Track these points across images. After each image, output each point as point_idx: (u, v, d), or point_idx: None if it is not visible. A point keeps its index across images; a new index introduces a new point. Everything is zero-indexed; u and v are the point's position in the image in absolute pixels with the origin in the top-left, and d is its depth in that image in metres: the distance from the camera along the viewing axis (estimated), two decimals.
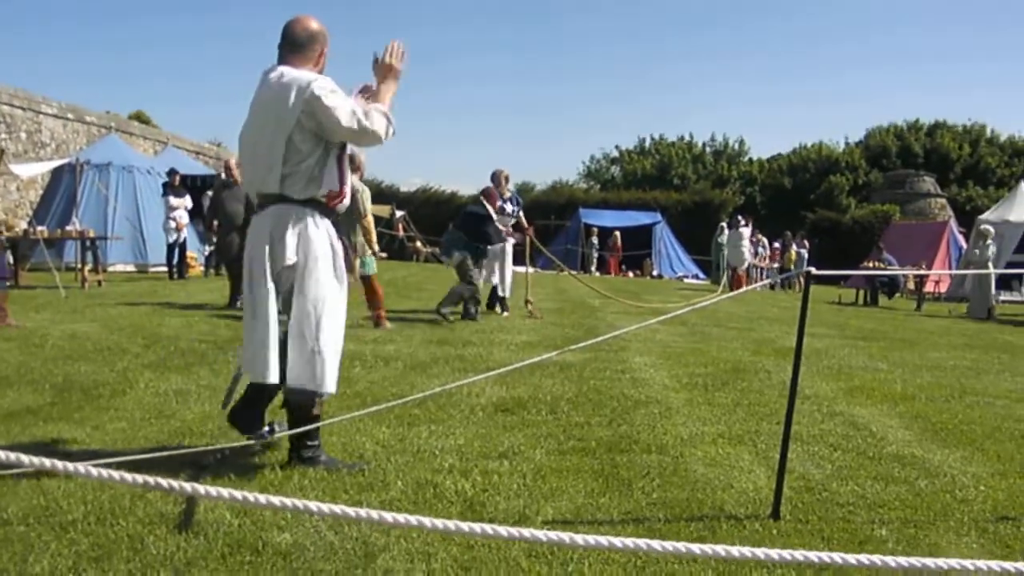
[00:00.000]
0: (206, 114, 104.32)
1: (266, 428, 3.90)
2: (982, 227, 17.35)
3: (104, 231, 16.65)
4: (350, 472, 3.84)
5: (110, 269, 16.43)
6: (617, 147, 59.66)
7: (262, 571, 2.80)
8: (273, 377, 3.71)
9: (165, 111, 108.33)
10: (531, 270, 12.66)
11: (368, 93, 3.97)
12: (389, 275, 16.30)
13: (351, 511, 1.65)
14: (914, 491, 3.98)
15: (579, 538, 1.61)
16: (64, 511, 3.23)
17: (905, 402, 6.21)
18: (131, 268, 18.07)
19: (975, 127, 51.90)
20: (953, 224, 28.53)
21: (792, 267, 26.51)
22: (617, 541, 1.58)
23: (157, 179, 18.90)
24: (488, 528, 1.62)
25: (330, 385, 3.78)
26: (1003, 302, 17.41)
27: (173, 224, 16.32)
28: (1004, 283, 18.13)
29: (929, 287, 21.24)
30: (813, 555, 1.64)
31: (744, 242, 22.50)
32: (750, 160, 56.12)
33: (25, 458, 1.55)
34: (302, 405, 3.86)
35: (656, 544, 1.58)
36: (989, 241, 16.42)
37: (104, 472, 1.57)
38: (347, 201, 4.01)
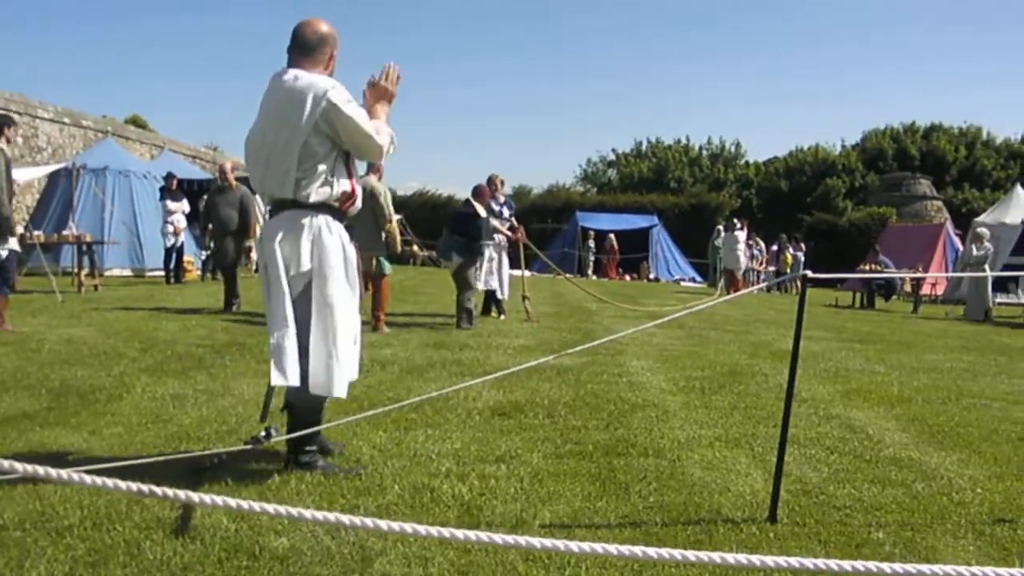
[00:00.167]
0: (202, 118, 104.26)
1: (263, 433, 3.89)
2: (978, 229, 17.38)
3: (101, 235, 16.63)
4: (347, 476, 3.83)
5: (107, 273, 16.43)
6: (614, 150, 59.88)
7: None
8: (293, 380, 3.71)
9: (161, 115, 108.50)
10: (527, 273, 12.67)
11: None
12: None
13: (345, 518, 1.65)
14: (911, 494, 3.98)
15: (575, 545, 1.61)
16: (60, 516, 3.22)
17: (902, 405, 6.22)
18: (128, 272, 18.06)
19: (971, 129, 52.04)
20: (949, 226, 28.56)
21: (788, 270, 26.53)
22: (613, 548, 1.58)
23: (154, 183, 18.89)
24: (483, 535, 1.62)
25: (341, 391, 3.78)
26: (999, 304, 17.44)
27: (171, 228, 16.32)
28: (1000, 285, 18.17)
29: (925, 289, 21.27)
30: (808, 561, 1.64)
31: (740, 245, 22.52)
32: (746, 163, 56.26)
33: (19, 465, 1.54)
34: (306, 409, 3.86)
35: (652, 551, 1.58)
36: (986, 243, 16.45)
37: (99, 480, 1.57)
38: (359, 203, 4.02)
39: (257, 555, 2.93)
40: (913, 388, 7.02)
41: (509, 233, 11.48)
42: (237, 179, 11.79)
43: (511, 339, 9.13)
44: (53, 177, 18.49)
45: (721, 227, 25.80)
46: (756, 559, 1.61)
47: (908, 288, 21.52)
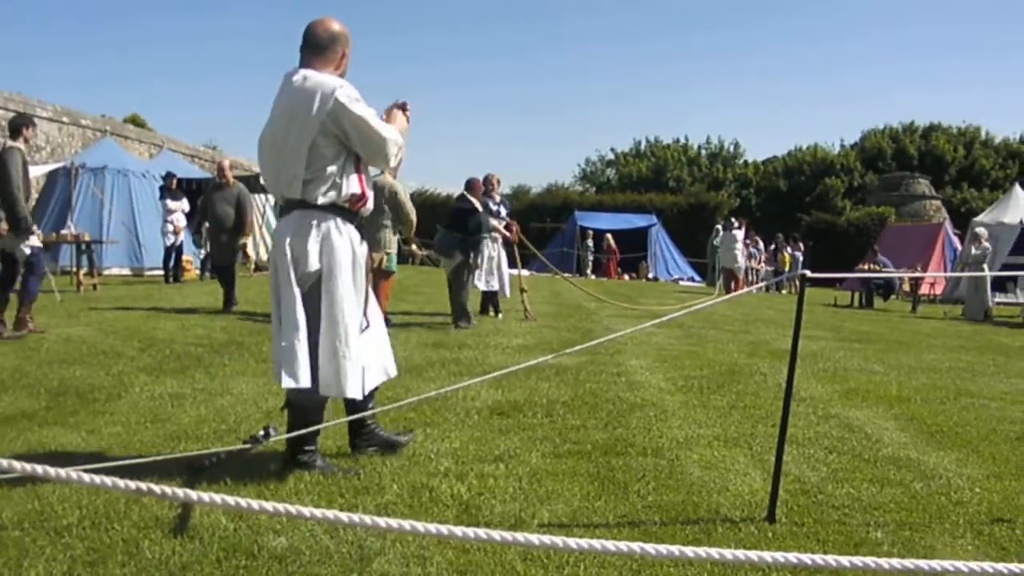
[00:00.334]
0: (201, 117, 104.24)
1: (261, 432, 3.89)
2: (977, 229, 17.39)
3: (99, 235, 16.63)
4: (346, 476, 3.83)
5: (105, 273, 16.41)
6: (613, 149, 59.95)
7: (258, 575, 2.79)
8: (305, 382, 3.71)
9: (160, 114, 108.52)
10: (525, 272, 12.67)
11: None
12: None
13: (344, 516, 1.65)
14: (909, 493, 3.98)
15: (572, 542, 1.61)
16: (59, 515, 3.22)
17: (900, 404, 6.22)
18: (126, 272, 18.05)
19: (970, 129, 52.09)
20: (948, 226, 28.57)
21: (787, 269, 26.53)
22: (611, 545, 1.59)
23: (152, 182, 18.88)
24: (482, 532, 1.62)
25: (354, 390, 3.78)
26: (998, 304, 17.45)
27: (171, 227, 16.33)
28: (999, 285, 18.18)
29: (924, 289, 21.28)
30: (807, 557, 1.64)
31: (738, 244, 22.53)
32: (745, 162, 56.30)
33: (17, 464, 1.54)
34: (308, 409, 3.86)
35: (651, 548, 1.58)
36: (984, 243, 16.46)
37: (98, 478, 1.57)
38: (370, 204, 4.01)
39: (256, 554, 2.93)
40: (911, 387, 7.02)
41: (506, 232, 11.46)
42: (236, 177, 11.77)
43: (510, 338, 9.13)
44: (51, 176, 18.47)
45: (720, 226, 25.81)
46: (754, 555, 1.61)
47: (907, 288, 21.53)
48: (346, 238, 3.84)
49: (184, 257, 17.10)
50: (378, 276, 9.09)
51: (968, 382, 7.51)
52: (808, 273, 3.61)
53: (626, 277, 31.30)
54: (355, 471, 3.91)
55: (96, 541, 2.99)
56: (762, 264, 27.66)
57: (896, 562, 1.53)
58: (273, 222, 22.95)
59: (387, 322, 9.51)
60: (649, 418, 5.35)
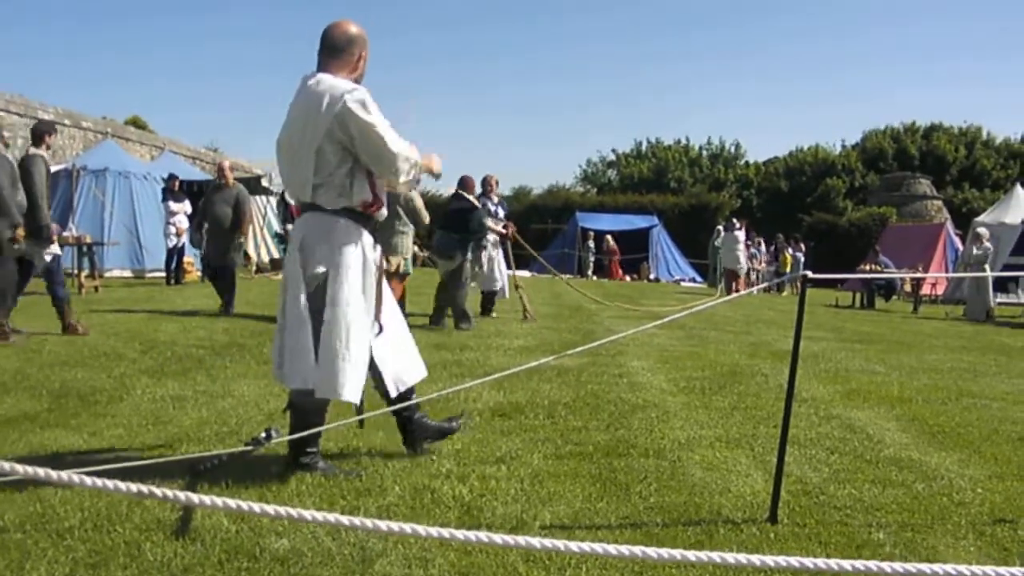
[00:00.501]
0: (203, 119, 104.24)
1: (263, 434, 3.89)
2: (978, 229, 17.39)
3: (101, 237, 16.63)
4: (347, 478, 3.83)
5: (107, 275, 16.42)
6: (614, 150, 59.90)
7: None
8: (307, 383, 3.72)
9: (161, 116, 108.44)
10: (523, 273, 12.67)
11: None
12: None
13: (346, 519, 1.65)
14: (911, 494, 3.98)
15: (574, 545, 1.61)
16: (61, 518, 3.22)
17: (902, 405, 6.22)
18: (128, 274, 18.05)
19: (971, 129, 52.07)
20: (949, 226, 28.57)
21: (788, 270, 26.52)
22: (613, 548, 1.58)
23: (154, 184, 18.89)
24: (484, 535, 1.62)
25: (351, 394, 3.77)
26: (1000, 304, 17.44)
27: (173, 229, 16.34)
28: (1000, 285, 18.17)
29: (926, 289, 21.27)
30: (809, 560, 1.64)
31: (739, 246, 22.52)
32: (746, 163, 56.30)
33: (19, 467, 1.54)
34: (310, 411, 3.86)
35: (652, 551, 1.58)
36: (985, 243, 16.45)
37: (99, 481, 1.57)
38: (385, 210, 4.01)
39: (257, 556, 2.93)
40: (913, 388, 7.02)
41: (501, 230, 11.40)
42: (237, 179, 11.76)
43: (511, 340, 9.13)
44: (53, 178, 18.28)
45: (721, 227, 25.81)
46: (756, 559, 1.61)
47: (908, 288, 21.52)
48: (356, 241, 3.83)
49: (185, 259, 17.10)
50: (391, 279, 9.11)
51: (970, 383, 7.50)
52: (809, 274, 3.61)
53: (627, 278, 31.30)
54: (357, 473, 3.91)
55: (98, 543, 2.99)
56: (763, 265, 27.66)
57: (899, 565, 1.53)
58: (274, 224, 22.97)
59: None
60: (651, 419, 5.35)
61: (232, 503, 1.66)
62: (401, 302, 9.36)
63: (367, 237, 3.90)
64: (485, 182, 11.68)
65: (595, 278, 30.09)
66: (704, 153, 57.27)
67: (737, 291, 20.10)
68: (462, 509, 3.52)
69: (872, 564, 1.55)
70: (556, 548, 1.61)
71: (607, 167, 60.15)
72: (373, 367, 3.98)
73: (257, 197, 22.05)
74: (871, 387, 6.94)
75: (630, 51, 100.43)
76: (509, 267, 12.09)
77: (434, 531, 1.63)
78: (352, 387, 3.76)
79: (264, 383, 6.00)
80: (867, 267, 20.91)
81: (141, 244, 18.36)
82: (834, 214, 40.72)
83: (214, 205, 11.22)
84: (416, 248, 11.51)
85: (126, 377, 6.14)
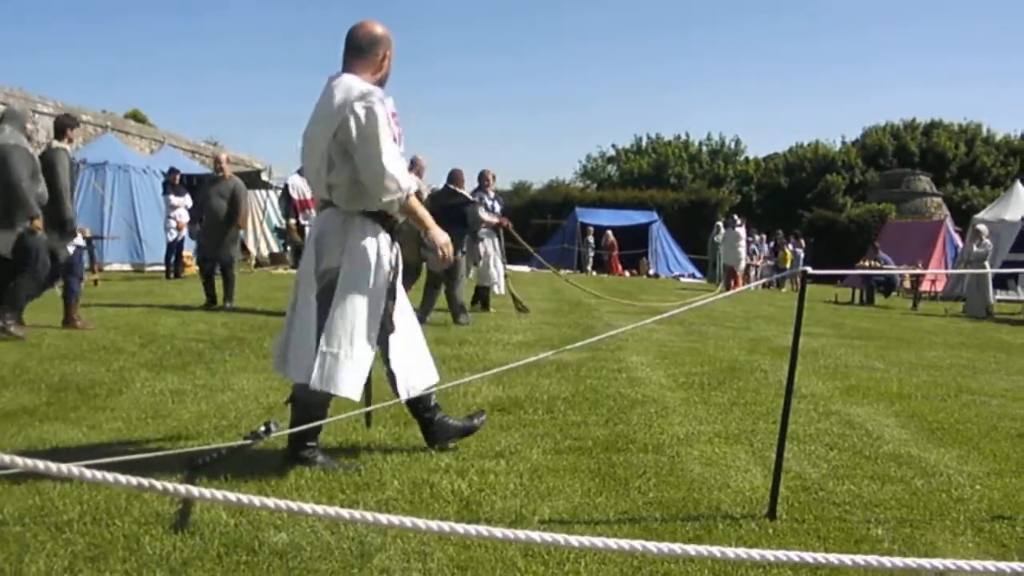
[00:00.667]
0: (203, 114, 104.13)
1: (262, 428, 3.89)
2: (978, 226, 17.38)
3: (100, 231, 16.60)
4: (346, 472, 3.83)
5: (106, 268, 16.41)
6: (614, 146, 59.78)
7: (258, 571, 2.79)
8: (303, 376, 3.74)
9: (161, 110, 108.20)
10: (521, 269, 12.67)
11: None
12: None
13: (346, 513, 1.65)
14: (910, 490, 3.98)
15: (574, 539, 1.61)
16: (60, 511, 3.22)
17: (901, 401, 6.22)
18: (127, 267, 18.05)
19: (971, 126, 52.02)
20: (949, 223, 28.58)
21: (788, 266, 26.53)
22: (612, 542, 1.58)
23: (153, 178, 18.88)
24: (483, 529, 1.62)
25: (351, 391, 3.76)
26: (999, 301, 17.45)
27: (173, 223, 16.32)
28: (1000, 282, 18.18)
29: (925, 286, 21.29)
30: (808, 555, 1.64)
31: (740, 242, 22.53)
32: (746, 159, 56.23)
33: (19, 460, 1.54)
34: (312, 405, 3.86)
35: (652, 545, 1.58)
36: (985, 240, 16.45)
37: (99, 474, 1.57)
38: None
39: (256, 550, 2.93)
40: (912, 384, 7.02)
41: (495, 219, 11.35)
42: (236, 174, 11.73)
43: (510, 335, 9.13)
44: None
45: (721, 223, 25.79)
46: (756, 553, 1.61)
47: (907, 285, 21.52)
48: (372, 240, 3.83)
49: (185, 253, 17.08)
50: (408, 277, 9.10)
51: (969, 379, 7.51)
52: (809, 270, 3.61)
53: (626, 274, 31.30)
54: (356, 467, 3.91)
55: (97, 537, 2.99)
56: (762, 261, 27.66)
57: (898, 560, 1.53)
58: (274, 219, 22.95)
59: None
60: (650, 414, 5.35)
61: (232, 496, 1.66)
62: None
63: (384, 236, 3.90)
64: (482, 177, 11.67)
65: (594, 273, 30.09)
66: (704, 149, 57.20)
67: (735, 287, 20.11)
68: (461, 503, 3.52)
69: (872, 559, 1.55)
70: (555, 542, 1.61)
71: (607, 162, 60.07)
72: (387, 366, 4.00)
73: (257, 191, 22.04)
74: (870, 383, 6.94)
75: (630, 47, 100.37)
76: (504, 263, 12.09)
77: (433, 525, 1.63)
78: (352, 384, 3.76)
79: (263, 377, 6.00)
80: (867, 263, 20.90)
81: (140, 238, 18.34)
82: (834, 210, 40.72)
83: (210, 198, 11.18)
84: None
85: (125, 371, 6.13)
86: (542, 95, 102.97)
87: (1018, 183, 22.41)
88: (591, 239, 32.19)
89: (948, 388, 6.92)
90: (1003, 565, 1.64)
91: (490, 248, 11.35)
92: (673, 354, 8.17)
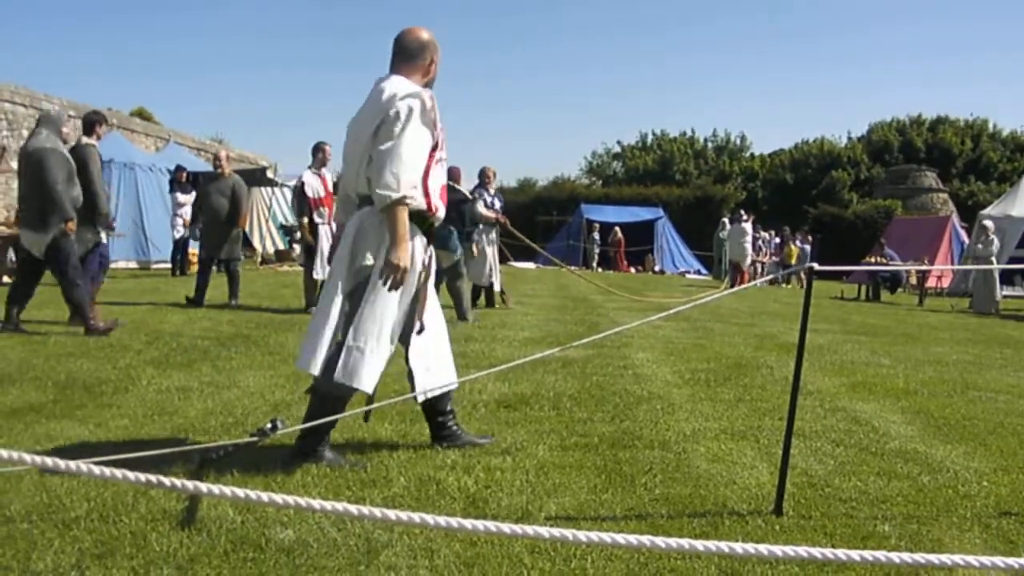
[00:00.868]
0: (208, 112, 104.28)
1: (269, 425, 3.89)
2: (984, 222, 17.32)
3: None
4: (353, 469, 3.84)
5: (112, 266, 16.41)
6: (619, 142, 59.64)
7: (265, 568, 2.80)
8: (315, 366, 3.77)
9: (167, 108, 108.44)
10: (527, 265, 12.67)
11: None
12: None
13: (353, 508, 1.65)
14: (917, 487, 3.98)
15: (582, 535, 1.61)
16: (67, 508, 3.23)
17: (908, 397, 6.21)
18: (133, 265, 18.07)
19: (977, 122, 51.80)
20: (955, 219, 28.45)
21: (793, 262, 26.48)
22: (620, 538, 1.58)
23: (159, 176, 18.89)
24: (491, 525, 1.62)
25: (369, 385, 3.81)
26: (1005, 297, 17.40)
27: (180, 221, 16.35)
28: (1006, 278, 18.13)
29: (931, 282, 21.22)
30: (816, 551, 1.63)
31: (746, 238, 22.48)
32: (752, 155, 56.06)
33: (28, 456, 1.55)
34: (331, 399, 3.87)
35: (659, 540, 1.58)
36: (991, 236, 16.40)
37: (107, 471, 1.57)
38: (441, 213, 4.03)
39: (263, 547, 2.93)
40: (919, 381, 7.00)
41: (493, 214, 11.33)
42: (241, 171, 11.72)
43: (516, 331, 9.13)
44: None
45: (727, 219, 25.74)
46: (764, 548, 1.61)
47: (914, 281, 21.47)
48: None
49: (190, 250, 17.10)
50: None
51: (975, 375, 7.49)
52: (815, 266, 3.60)
53: (632, 270, 31.28)
54: (362, 464, 3.91)
55: (104, 533, 3.00)
56: (768, 257, 27.60)
57: (906, 556, 1.53)
58: (279, 216, 22.97)
59: None
60: (656, 411, 5.35)
61: (239, 493, 1.66)
62: None
63: (420, 239, 3.94)
64: (482, 174, 11.67)
65: (600, 270, 30.06)
66: (709, 145, 57.05)
67: (740, 284, 20.09)
68: (467, 500, 3.52)
69: (879, 554, 1.55)
70: (562, 538, 1.61)
71: (612, 159, 59.97)
72: (407, 365, 4.03)
73: (262, 189, 22.06)
74: (876, 379, 6.93)
75: (636, 43, 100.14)
76: (502, 261, 12.11)
77: (440, 521, 1.63)
78: (371, 378, 3.81)
79: (270, 374, 6.01)
80: (873, 259, 20.85)
81: (146, 236, 18.37)
82: (839, 206, 40.58)
83: (210, 196, 11.15)
84: None
85: (131, 368, 6.15)
86: (547, 92, 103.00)
87: None
88: (596, 235, 32.16)
89: (954, 384, 6.90)
90: (1011, 561, 1.64)
91: (485, 245, 11.33)
92: (679, 350, 8.16)
